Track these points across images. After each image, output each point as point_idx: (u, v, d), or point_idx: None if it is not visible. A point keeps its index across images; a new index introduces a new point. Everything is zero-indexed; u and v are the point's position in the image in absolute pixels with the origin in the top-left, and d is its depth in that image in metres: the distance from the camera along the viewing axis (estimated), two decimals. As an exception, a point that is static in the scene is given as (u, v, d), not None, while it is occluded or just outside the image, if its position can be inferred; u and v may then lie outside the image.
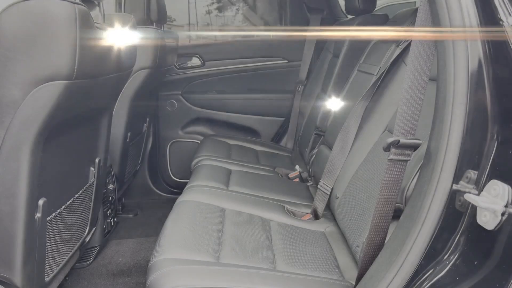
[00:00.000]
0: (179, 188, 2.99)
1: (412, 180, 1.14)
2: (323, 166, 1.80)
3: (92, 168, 1.66)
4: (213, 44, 3.48)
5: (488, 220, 0.82)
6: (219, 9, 4.67)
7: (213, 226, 1.45)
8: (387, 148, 1.07)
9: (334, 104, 2.24)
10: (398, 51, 1.68)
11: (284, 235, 1.49)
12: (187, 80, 3.13)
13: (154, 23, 2.43)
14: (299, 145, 2.79)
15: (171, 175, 3.15)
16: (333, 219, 1.69)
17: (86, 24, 1.13)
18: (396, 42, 1.79)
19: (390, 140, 1.05)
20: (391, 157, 1.07)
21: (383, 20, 2.29)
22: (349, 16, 2.77)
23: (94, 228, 1.86)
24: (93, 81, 1.25)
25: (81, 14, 1.11)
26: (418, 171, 1.12)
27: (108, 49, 1.32)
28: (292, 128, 3.01)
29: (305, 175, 2.34)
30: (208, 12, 4.53)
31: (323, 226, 1.63)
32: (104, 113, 1.66)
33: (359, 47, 2.29)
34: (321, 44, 3.02)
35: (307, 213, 1.74)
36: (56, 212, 1.39)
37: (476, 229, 0.86)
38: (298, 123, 2.98)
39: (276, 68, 3.17)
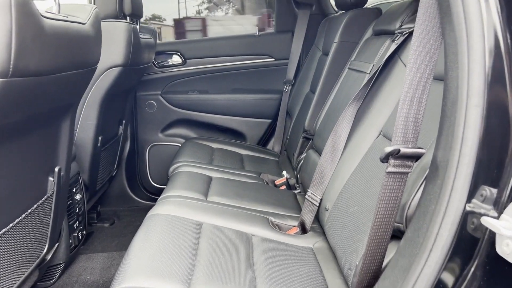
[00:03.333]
0: (159, 195, 2.83)
1: (414, 196, 0.98)
2: (312, 172, 1.67)
3: (51, 178, 1.48)
4: (195, 41, 3.35)
5: (511, 251, 0.66)
6: (207, 4, 4.59)
7: (186, 245, 1.29)
8: (384, 159, 0.90)
9: (323, 105, 2.10)
10: (393, 46, 1.55)
11: (267, 253, 1.34)
12: (167, 79, 3.00)
13: (127, 17, 2.26)
14: (287, 148, 2.67)
15: (151, 181, 3.03)
16: (322, 233, 1.54)
17: (26, 12, 0.95)
18: (391, 36, 1.65)
19: (388, 149, 0.89)
20: (390, 169, 0.91)
21: (376, 14, 2.15)
22: (339, 11, 2.64)
23: (57, 244, 1.68)
24: (39, 80, 1.06)
25: (19, 0, 0.93)
26: (421, 185, 0.96)
27: (59, 43, 1.13)
28: (279, 130, 2.91)
29: (292, 181, 2.19)
30: (199, 12, 4.43)
31: (312, 241, 1.48)
32: (64, 116, 1.48)
33: (350, 43, 2.16)
34: (309, 41, 2.91)
35: (294, 226, 1.59)
36: (2, 231, 1.20)
37: (496, 261, 0.70)
38: (285, 125, 2.87)
39: (262, 67, 3.06)
